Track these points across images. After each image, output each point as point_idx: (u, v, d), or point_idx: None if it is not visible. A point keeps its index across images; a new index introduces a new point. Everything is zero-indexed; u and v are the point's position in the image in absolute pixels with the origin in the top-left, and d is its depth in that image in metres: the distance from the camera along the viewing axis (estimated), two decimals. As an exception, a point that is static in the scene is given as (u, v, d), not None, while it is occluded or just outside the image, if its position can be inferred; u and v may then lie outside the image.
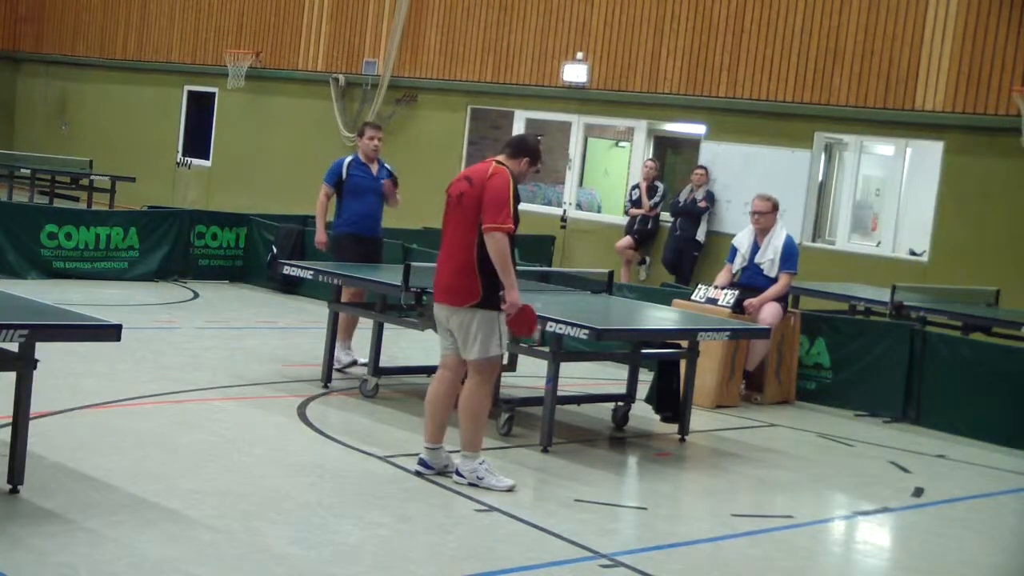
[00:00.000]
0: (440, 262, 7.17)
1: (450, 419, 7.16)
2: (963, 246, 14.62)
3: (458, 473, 7.03)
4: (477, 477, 6.96)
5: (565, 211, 18.33)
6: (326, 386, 9.26)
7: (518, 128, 18.90)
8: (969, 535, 7.26)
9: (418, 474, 7.11)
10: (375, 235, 10.48)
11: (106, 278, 13.64)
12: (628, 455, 8.62)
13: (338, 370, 9.73)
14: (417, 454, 7.53)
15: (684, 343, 8.85)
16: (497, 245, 6.80)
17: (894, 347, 10.43)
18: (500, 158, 7.19)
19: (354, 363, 10.05)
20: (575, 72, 17.85)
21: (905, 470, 8.67)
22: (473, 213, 6.89)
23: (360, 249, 10.27)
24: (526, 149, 7.30)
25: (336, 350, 9.61)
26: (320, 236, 10.48)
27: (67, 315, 6.49)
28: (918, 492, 8.06)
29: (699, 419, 9.42)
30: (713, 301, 10.20)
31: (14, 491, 5.91)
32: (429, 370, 9.90)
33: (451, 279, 7.00)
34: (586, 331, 7.49)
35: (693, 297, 10.48)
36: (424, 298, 8.52)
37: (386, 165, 10.51)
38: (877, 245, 16.01)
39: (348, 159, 10.38)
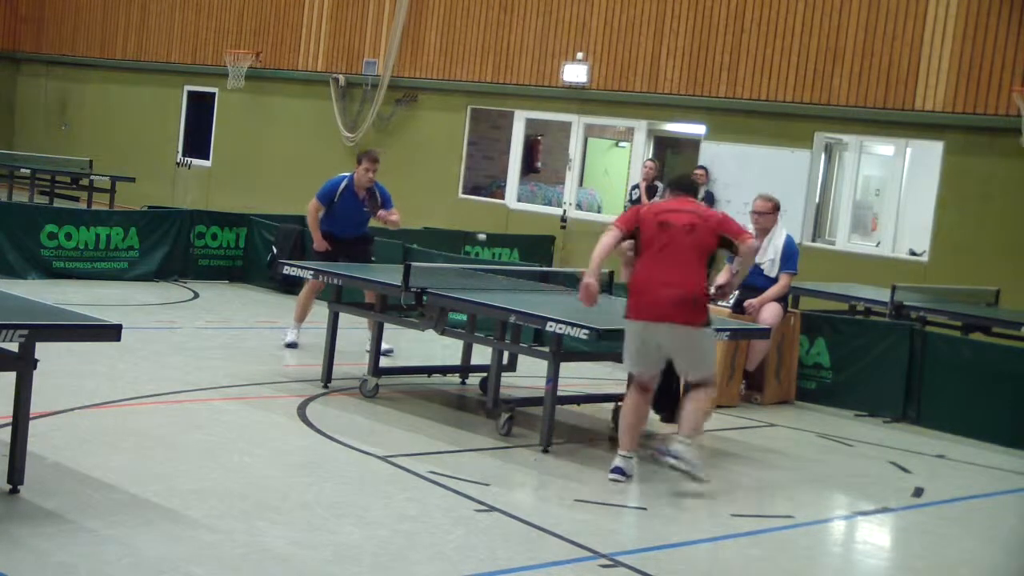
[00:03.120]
0: (664, 283, 7.31)
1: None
2: (963, 246, 14.62)
3: (677, 456, 7.31)
4: (693, 459, 7.34)
5: (565, 211, 18.33)
6: (326, 386, 9.26)
7: (518, 128, 18.92)
8: (969, 535, 7.26)
9: (615, 481, 7.40)
10: (356, 235, 10.94)
11: (106, 278, 13.63)
12: (628, 455, 8.61)
13: (288, 345, 10.67)
14: (416, 454, 7.55)
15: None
16: (751, 256, 7.79)
17: (894, 347, 10.43)
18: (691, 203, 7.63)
19: (295, 345, 10.71)
20: (575, 72, 17.85)
21: (905, 470, 8.66)
22: (709, 240, 7.42)
23: (341, 247, 10.78)
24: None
25: (289, 329, 10.64)
26: (319, 241, 10.81)
27: (67, 315, 6.49)
28: (918, 492, 8.06)
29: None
30: (713, 301, 10.18)
31: (14, 491, 5.91)
32: (429, 370, 9.96)
33: (688, 300, 7.32)
34: (586, 331, 7.49)
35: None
36: (425, 298, 8.49)
37: (379, 187, 10.89)
38: (877, 245, 16.01)
39: (343, 184, 10.79)
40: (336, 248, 10.77)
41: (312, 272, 9.47)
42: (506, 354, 9.25)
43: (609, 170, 20.24)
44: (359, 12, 20.83)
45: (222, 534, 5.72)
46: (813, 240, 15.94)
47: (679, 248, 7.37)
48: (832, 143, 16.32)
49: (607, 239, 7.50)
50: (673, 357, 7.47)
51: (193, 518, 5.89)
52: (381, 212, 10.81)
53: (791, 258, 10.45)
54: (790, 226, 12.95)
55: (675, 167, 19.38)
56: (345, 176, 10.88)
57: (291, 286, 14.11)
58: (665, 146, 19.37)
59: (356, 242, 10.91)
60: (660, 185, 16.98)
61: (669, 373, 9.01)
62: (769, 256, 10.42)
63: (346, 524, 6.09)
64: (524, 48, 18.63)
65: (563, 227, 18.16)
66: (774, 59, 16.06)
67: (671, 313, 7.27)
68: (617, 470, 7.44)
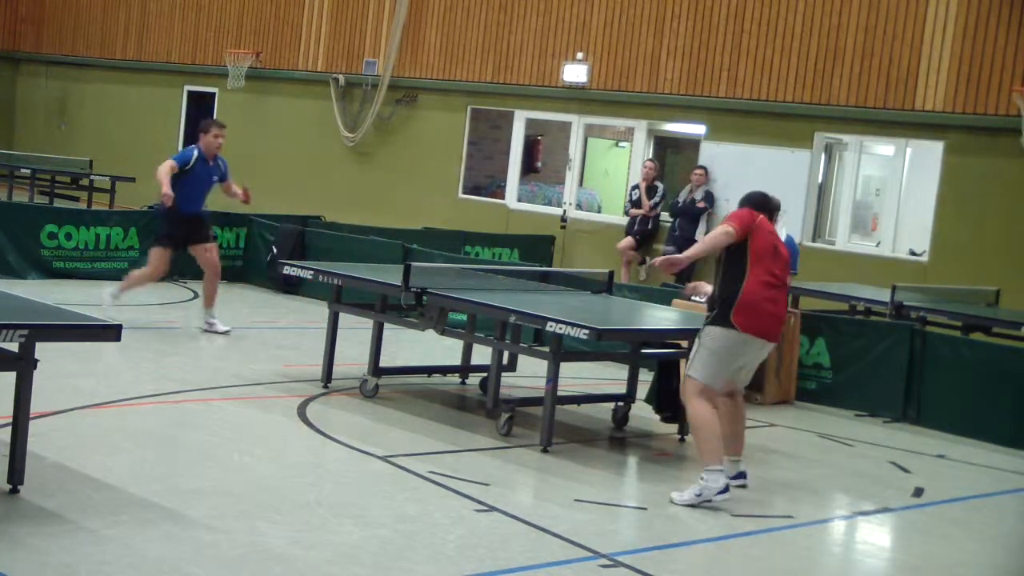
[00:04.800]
0: (773, 304, 7.35)
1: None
2: (963, 246, 14.62)
3: (746, 476, 7.63)
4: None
5: (565, 211, 18.33)
6: (326, 386, 9.26)
7: (518, 128, 18.91)
8: (969, 535, 7.26)
9: (742, 487, 7.50)
10: (197, 212, 11.29)
11: (106, 278, 13.61)
12: (628, 455, 8.62)
13: (206, 331, 11.07)
14: (416, 454, 7.55)
15: (684, 343, 8.84)
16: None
17: (894, 347, 10.43)
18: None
19: (213, 327, 11.11)
20: (575, 72, 17.85)
21: (905, 470, 8.67)
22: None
23: (185, 224, 11.13)
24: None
25: (109, 296, 10.98)
26: (167, 189, 10.87)
27: (67, 315, 6.48)
28: (918, 492, 8.06)
29: (699, 419, 9.41)
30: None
31: (14, 491, 5.91)
32: (429, 370, 9.96)
33: (781, 323, 7.52)
34: (586, 331, 7.49)
35: (693, 297, 10.46)
36: (425, 298, 8.48)
37: (220, 159, 11.38)
38: (877, 245, 16.00)
39: (195, 153, 11.17)
40: (181, 229, 11.07)
41: (312, 272, 9.47)
42: (506, 354, 9.26)
43: (609, 170, 20.23)
44: (359, 12, 20.83)
45: (222, 534, 5.72)
46: (813, 240, 15.93)
47: (783, 277, 7.44)
48: (832, 143, 16.32)
49: (723, 239, 7.21)
50: (743, 368, 7.52)
51: (193, 518, 5.89)
52: (228, 184, 11.33)
53: (791, 258, 10.43)
54: (790, 226, 12.96)
55: (675, 167, 19.40)
56: (192, 147, 11.27)
57: (291, 286, 14.15)
58: (665, 146, 19.37)
59: (197, 222, 11.20)
60: (660, 185, 17.01)
61: (669, 373, 9.04)
62: (769, 256, 10.40)
63: (346, 524, 6.09)
64: (524, 48, 18.62)
65: (563, 227, 18.16)
66: (774, 59, 16.06)
67: (776, 334, 7.43)
68: (740, 475, 7.57)
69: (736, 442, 7.62)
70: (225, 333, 11.09)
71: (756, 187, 7.98)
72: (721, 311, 7.24)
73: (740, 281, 7.20)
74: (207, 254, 11.23)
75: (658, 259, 7.64)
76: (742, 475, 7.60)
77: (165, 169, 10.90)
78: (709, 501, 7.03)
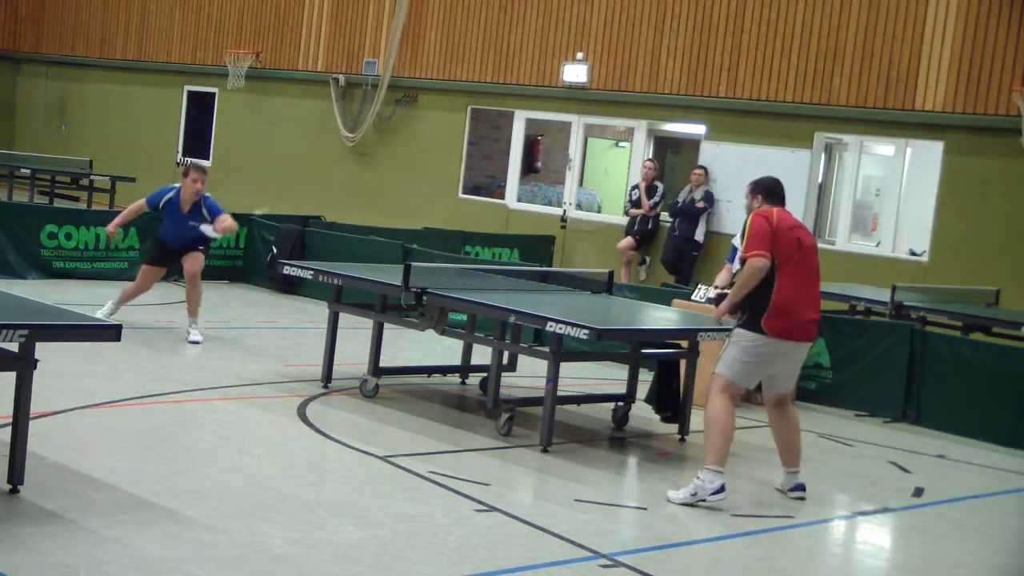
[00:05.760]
0: (804, 302, 7.27)
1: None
2: (963, 246, 14.62)
3: (804, 488, 7.50)
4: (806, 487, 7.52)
5: (565, 211, 18.33)
6: (326, 386, 9.26)
7: (518, 128, 18.91)
8: (969, 535, 7.26)
9: (800, 499, 7.44)
10: (184, 244, 10.97)
11: (106, 278, 13.63)
12: (628, 455, 8.62)
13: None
14: (416, 454, 7.55)
15: (684, 343, 8.85)
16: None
17: (894, 347, 10.43)
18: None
19: (188, 336, 10.72)
20: (575, 72, 17.85)
21: (905, 470, 8.67)
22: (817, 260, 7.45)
23: (175, 254, 11.02)
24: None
25: (106, 308, 10.82)
26: (113, 226, 11.23)
27: (67, 315, 6.49)
28: (918, 492, 8.06)
29: (699, 419, 9.41)
30: (714, 301, 10.20)
31: (14, 491, 5.91)
32: (429, 370, 9.96)
33: (819, 320, 7.44)
34: (586, 331, 7.49)
35: (693, 297, 10.48)
36: (425, 298, 8.48)
37: (206, 200, 10.87)
38: (877, 245, 16.00)
39: (169, 195, 10.88)
40: (169, 253, 11.02)
41: (312, 272, 9.47)
42: (506, 354, 9.26)
43: (609, 170, 20.22)
44: (359, 12, 20.82)
45: (222, 534, 5.72)
46: (813, 240, 15.91)
47: (812, 266, 7.35)
48: (832, 143, 16.32)
49: (760, 272, 7.09)
50: (780, 373, 7.42)
51: (193, 518, 5.89)
52: (216, 225, 10.82)
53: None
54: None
55: (675, 167, 19.39)
56: (174, 187, 11.02)
57: (291, 286, 14.15)
58: (665, 146, 19.36)
59: (185, 249, 10.94)
60: (660, 185, 17.00)
61: (669, 373, 9.04)
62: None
63: (346, 524, 6.09)
64: (524, 48, 18.62)
65: (563, 227, 18.15)
66: (774, 59, 16.06)
67: (811, 335, 7.36)
68: (798, 487, 7.48)
69: (790, 452, 7.51)
70: (196, 343, 10.55)
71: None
72: (752, 316, 7.19)
73: (770, 285, 7.13)
74: (185, 262, 10.89)
75: (717, 314, 7.63)
76: (800, 487, 7.49)
77: (132, 207, 11.09)
78: (704, 501, 7.01)
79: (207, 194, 10.88)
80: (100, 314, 10.63)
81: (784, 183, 7.86)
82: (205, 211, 10.84)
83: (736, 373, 7.26)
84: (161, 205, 10.88)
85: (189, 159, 11.55)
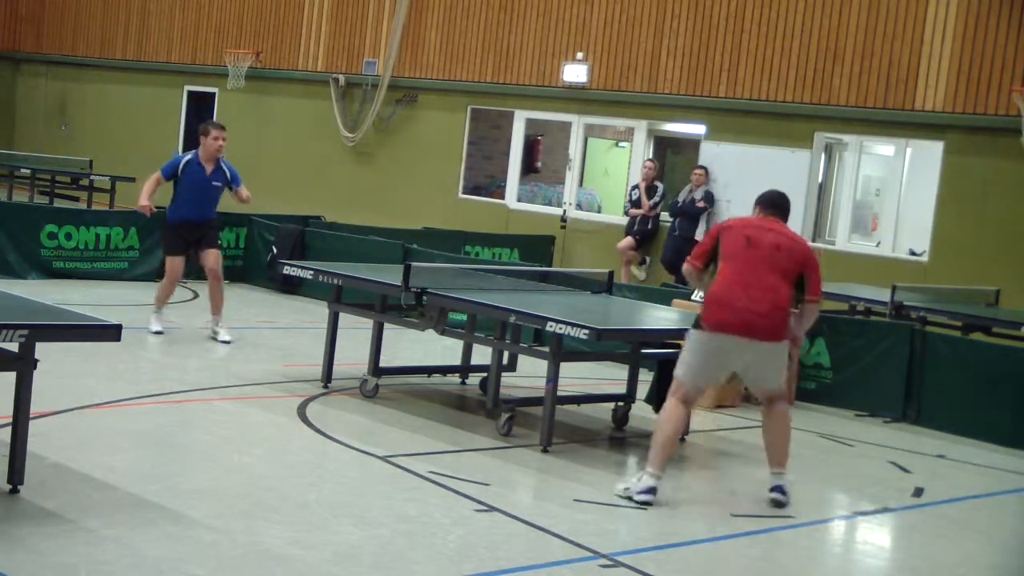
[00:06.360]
0: (747, 296, 7.13)
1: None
2: (963, 246, 14.62)
3: (783, 491, 7.30)
4: (787, 490, 7.33)
5: (565, 211, 18.33)
6: (326, 386, 9.26)
7: (518, 128, 18.91)
8: (969, 535, 7.26)
9: (776, 503, 7.26)
10: (207, 219, 10.94)
11: (106, 278, 13.64)
12: (628, 455, 8.62)
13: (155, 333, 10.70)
14: (416, 454, 7.54)
15: (684, 343, 8.83)
16: (815, 315, 7.57)
17: (894, 347, 10.43)
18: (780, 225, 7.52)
19: (216, 335, 10.76)
20: (575, 72, 17.85)
21: (905, 470, 8.67)
22: (793, 266, 7.28)
23: (191, 235, 10.84)
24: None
25: (153, 320, 10.75)
26: (144, 200, 10.72)
27: (67, 315, 6.48)
28: (918, 492, 8.06)
29: (699, 419, 9.43)
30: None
31: (14, 491, 5.91)
32: (429, 370, 9.96)
33: (771, 316, 7.15)
34: (586, 331, 7.48)
35: (693, 297, 10.48)
36: (425, 298, 8.47)
37: (226, 164, 10.91)
38: (877, 245, 16.01)
39: (187, 157, 10.80)
40: (180, 236, 10.79)
41: (312, 272, 9.47)
42: (506, 354, 9.25)
43: (609, 170, 20.23)
44: (359, 12, 20.83)
45: (222, 534, 5.72)
46: (813, 240, 15.92)
47: (763, 264, 7.20)
48: (832, 143, 16.32)
49: (685, 269, 7.58)
50: (743, 371, 7.35)
51: (193, 518, 5.88)
52: (240, 193, 10.82)
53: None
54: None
55: (675, 167, 19.40)
56: (189, 152, 10.92)
57: (291, 286, 14.15)
58: (665, 146, 19.37)
59: (195, 228, 10.79)
60: (660, 185, 17.00)
61: (669, 373, 9.03)
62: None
63: (346, 524, 6.09)
64: (524, 48, 18.63)
65: (563, 227, 18.16)
66: (774, 59, 16.06)
67: (752, 329, 7.09)
68: (651, 491, 7.06)
69: (772, 452, 7.37)
70: (226, 343, 10.68)
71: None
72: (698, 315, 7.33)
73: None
74: (206, 260, 10.86)
75: (795, 350, 7.69)
76: (777, 488, 7.31)
77: (149, 181, 10.80)
78: (630, 499, 7.01)
79: (224, 159, 10.91)
80: (154, 329, 10.72)
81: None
82: (225, 169, 10.85)
83: (683, 372, 7.23)
84: (180, 169, 10.66)
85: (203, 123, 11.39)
